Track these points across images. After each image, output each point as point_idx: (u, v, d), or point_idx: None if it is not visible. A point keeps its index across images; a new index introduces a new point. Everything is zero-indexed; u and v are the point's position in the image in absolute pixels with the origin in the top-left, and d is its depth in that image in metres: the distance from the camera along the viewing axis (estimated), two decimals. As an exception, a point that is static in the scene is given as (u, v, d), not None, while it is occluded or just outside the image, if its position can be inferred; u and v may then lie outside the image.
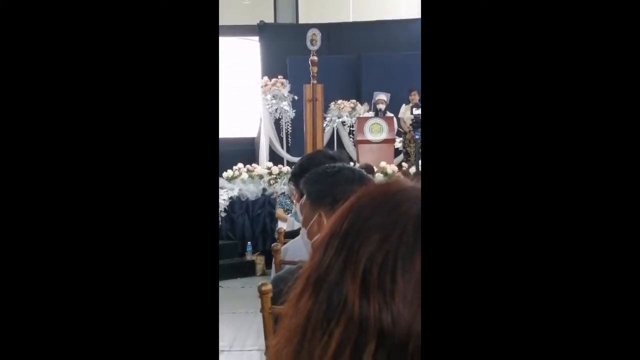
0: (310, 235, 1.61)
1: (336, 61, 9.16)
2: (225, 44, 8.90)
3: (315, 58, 7.51)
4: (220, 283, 5.42)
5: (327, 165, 1.77)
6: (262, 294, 1.60)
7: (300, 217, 1.74)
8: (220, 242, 6.82)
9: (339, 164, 1.80)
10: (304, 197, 1.70)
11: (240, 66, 9.48)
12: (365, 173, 1.72)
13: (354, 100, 8.74)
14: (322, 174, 1.67)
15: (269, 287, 1.59)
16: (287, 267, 1.98)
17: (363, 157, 7.25)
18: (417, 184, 0.59)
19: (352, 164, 3.56)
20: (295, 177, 2.20)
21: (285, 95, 8.67)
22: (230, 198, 7.42)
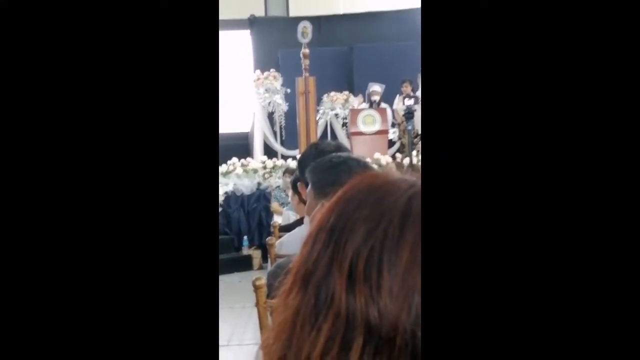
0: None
1: (328, 53, 9.13)
2: (216, 38, 8.83)
3: (307, 50, 7.47)
4: (217, 278, 5.42)
5: (332, 154, 1.74)
6: (256, 288, 1.61)
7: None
8: (216, 237, 6.81)
9: (344, 154, 1.78)
10: (309, 186, 1.69)
11: (231, 60, 9.44)
12: (369, 164, 1.71)
13: (346, 92, 8.71)
14: (327, 163, 1.66)
15: (263, 281, 1.59)
16: (279, 261, 1.98)
17: (357, 148, 7.24)
18: (405, 176, 0.58)
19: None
20: (300, 165, 2.19)
21: (278, 88, 8.63)
22: (225, 193, 7.41)
